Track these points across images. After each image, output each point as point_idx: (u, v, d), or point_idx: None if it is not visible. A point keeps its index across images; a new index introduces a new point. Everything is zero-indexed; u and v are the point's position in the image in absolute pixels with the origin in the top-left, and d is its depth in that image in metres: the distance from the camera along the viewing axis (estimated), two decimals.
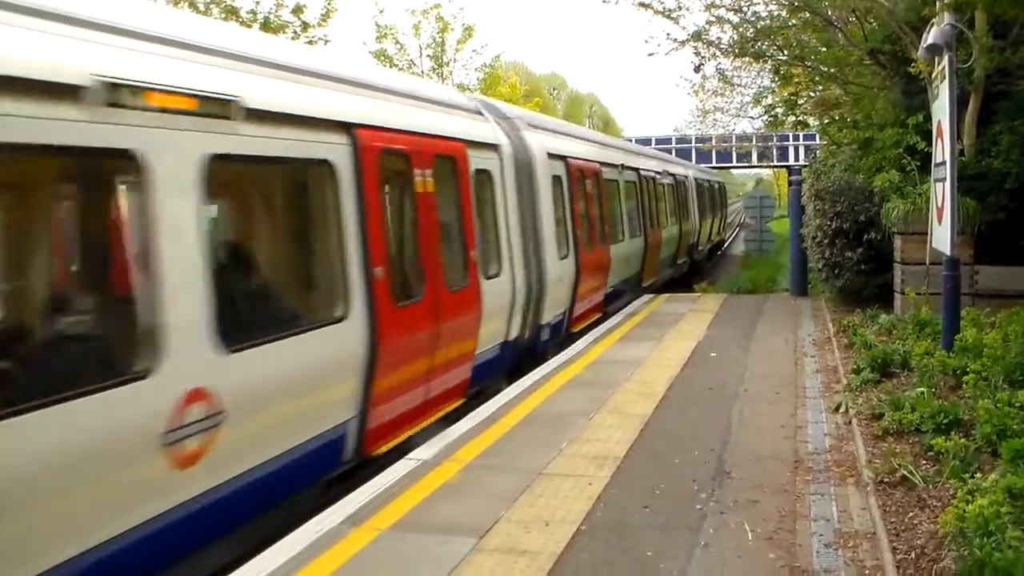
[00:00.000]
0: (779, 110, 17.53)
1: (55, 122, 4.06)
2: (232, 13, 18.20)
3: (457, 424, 7.47)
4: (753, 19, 14.63)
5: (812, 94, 18.44)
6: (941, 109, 8.74)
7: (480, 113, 10.03)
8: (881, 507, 5.21)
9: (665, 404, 7.93)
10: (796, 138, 42.26)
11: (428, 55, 27.99)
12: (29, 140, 4.00)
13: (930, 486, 5.39)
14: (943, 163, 8.51)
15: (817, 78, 16.48)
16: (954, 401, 6.76)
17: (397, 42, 27.23)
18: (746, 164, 56.02)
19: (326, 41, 19.60)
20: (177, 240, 4.72)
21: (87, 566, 4.12)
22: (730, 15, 14.85)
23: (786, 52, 14.93)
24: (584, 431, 7.08)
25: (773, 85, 20.03)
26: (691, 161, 39.98)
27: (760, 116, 22.09)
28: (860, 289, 13.11)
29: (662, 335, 11.74)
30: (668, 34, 15.60)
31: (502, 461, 6.42)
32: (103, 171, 5.07)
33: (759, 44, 14.66)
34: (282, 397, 5.55)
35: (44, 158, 4.57)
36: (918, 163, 10.99)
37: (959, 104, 8.94)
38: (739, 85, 23.86)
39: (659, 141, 46.07)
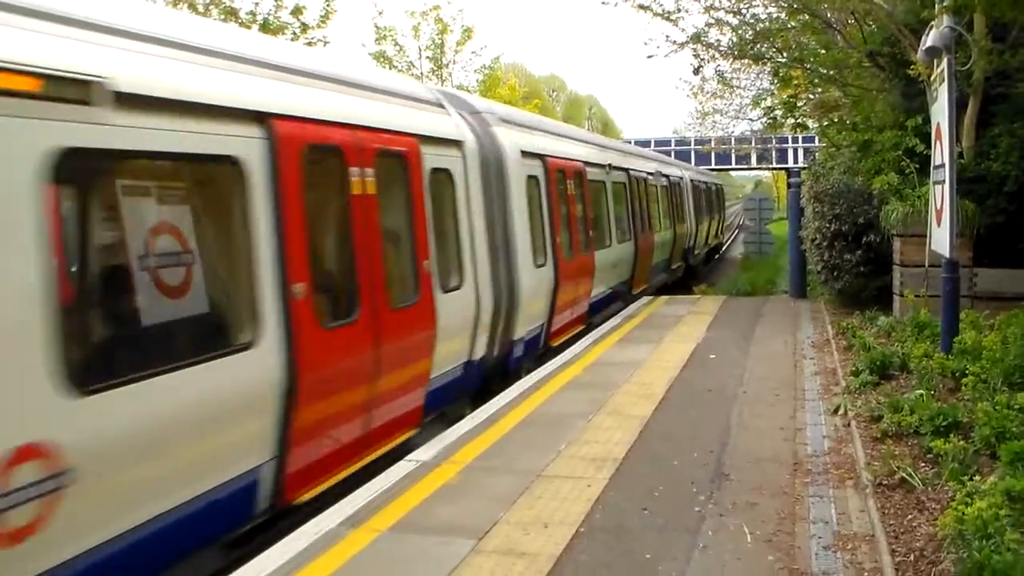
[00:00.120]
0: (778, 112, 17.50)
1: None
2: (231, 14, 18.21)
3: (456, 426, 7.47)
4: (752, 21, 14.64)
5: (811, 96, 18.46)
6: (940, 111, 8.75)
7: (441, 106, 8.93)
8: (880, 509, 5.21)
9: (664, 406, 7.93)
10: (795, 140, 42.38)
11: (427, 57, 28.06)
12: None
13: (929, 488, 5.40)
14: (942, 165, 8.51)
15: (816, 80, 16.49)
16: (953, 403, 6.76)
17: (396, 44, 27.30)
18: (745, 166, 56.14)
19: (325, 43, 19.64)
20: (6, 254, 3.82)
21: None
22: (729, 17, 14.88)
23: (785, 54, 14.94)
24: (583, 433, 7.08)
25: (772, 87, 20.05)
26: (690, 163, 40.02)
27: (759, 118, 22.13)
28: (859, 291, 13.11)
29: (661, 337, 11.74)
30: (667, 36, 15.71)
31: (501, 463, 6.41)
32: None
33: (758, 46, 14.66)
34: (162, 445, 4.60)
35: None
36: (917, 165, 11.00)
37: (958, 107, 8.95)
38: (738, 87, 24.00)
39: (658, 143, 46.16)
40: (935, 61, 8.91)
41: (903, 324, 10.26)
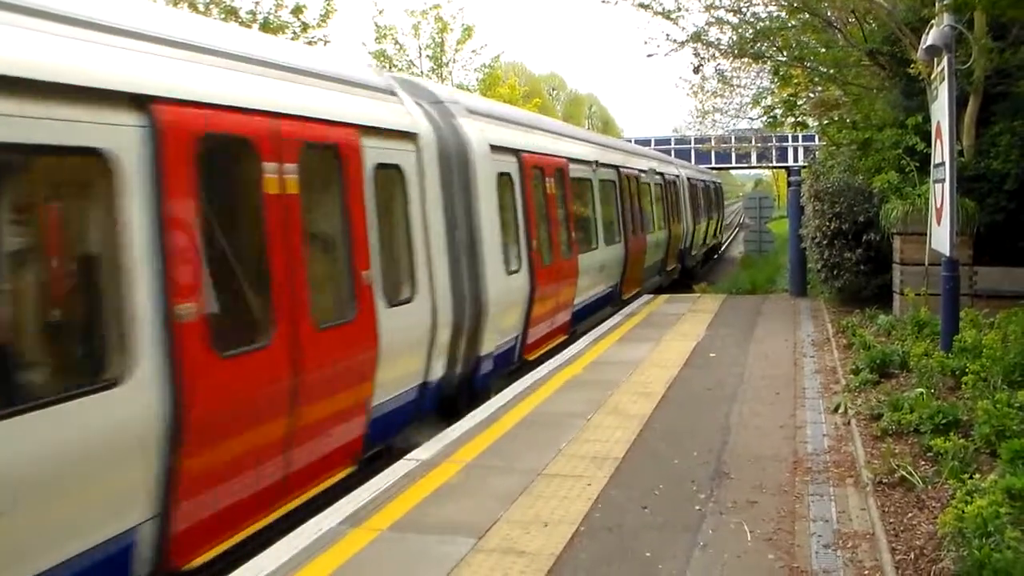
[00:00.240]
0: (778, 111, 17.53)
1: None
2: (232, 13, 18.21)
3: (456, 425, 7.46)
4: (752, 20, 14.65)
5: (811, 95, 18.49)
6: (940, 110, 8.75)
7: (392, 93, 7.89)
8: (880, 508, 5.21)
9: (664, 404, 7.93)
10: (795, 139, 42.36)
11: (427, 55, 28.07)
12: None
13: (929, 487, 5.40)
14: (942, 164, 8.51)
15: (816, 79, 16.52)
16: (953, 402, 6.77)
17: (396, 43, 27.31)
18: (745, 165, 56.15)
19: (326, 42, 19.64)
20: None
21: None
22: (729, 16, 14.89)
23: (785, 53, 14.95)
24: (583, 431, 7.08)
25: (772, 86, 20.08)
26: (690, 161, 39.97)
27: (759, 117, 22.12)
28: (859, 290, 13.12)
29: (661, 335, 11.74)
30: (668, 35, 15.78)
31: (501, 462, 6.41)
32: None
33: (758, 45, 14.67)
34: None
35: None
36: (917, 164, 11.00)
37: (958, 105, 8.95)
38: (738, 86, 23.98)
39: (658, 142, 46.15)
40: (935, 59, 8.91)
41: (903, 322, 10.26)
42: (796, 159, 44.52)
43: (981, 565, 3.94)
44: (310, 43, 18.87)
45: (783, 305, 15.07)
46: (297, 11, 18.91)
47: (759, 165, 59.05)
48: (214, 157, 5.22)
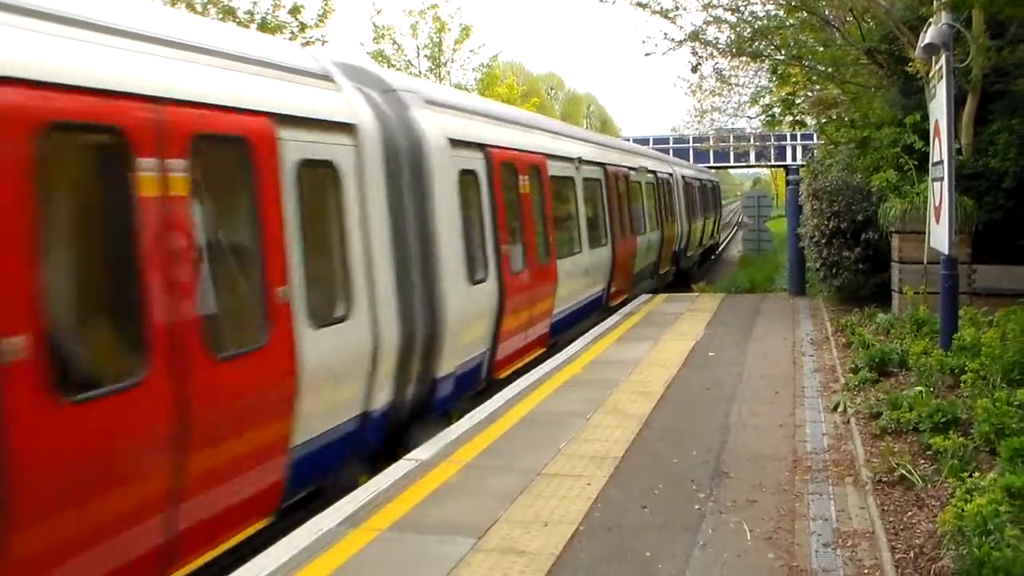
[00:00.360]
0: (776, 110, 17.55)
1: None
2: (229, 13, 18.20)
3: (456, 424, 7.46)
4: (750, 19, 14.66)
5: (809, 93, 18.49)
6: (938, 108, 8.75)
7: (328, 79, 6.81)
8: (880, 506, 5.21)
9: (663, 404, 7.93)
10: (794, 138, 42.42)
11: (426, 55, 28.06)
12: None
13: (928, 485, 5.40)
14: (940, 162, 8.52)
15: (814, 77, 16.52)
16: (952, 400, 6.77)
17: (394, 43, 27.30)
18: (744, 164, 56.22)
19: (323, 42, 19.63)
20: None
21: None
22: (727, 15, 14.89)
23: (783, 52, 14.96)
24: (582, 431, 7.08)
25: (770, 85, 20.09)
26: (689, 160, 39.95)
27: (758, 116, 22.15)
28: (858, 288, 13.12)
29: (660, 335, 11.73)
30: (666, 34, 15.69)
31: (500, 461, 6.41)
32: None
33: (756, 44, 14.68)
34: None
35: None
36: (915, 162, 11.00)
37: (956, 103, 8.96)
38: (736, 85, 23.98)
39: (657, 141, 46.25)
40: (933, 58, 8.91)
41: (902, 321, 10.27)
42: (794, 158, 44.60)
43: (981, 563, 3.94)
44: (308, 43, 18.85)
45: (782, 304, 15.07)
46: (295, 11, 18.89)
47: (757, 164, 59.17)
48: (62, 152, 4.47)
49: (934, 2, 8.75)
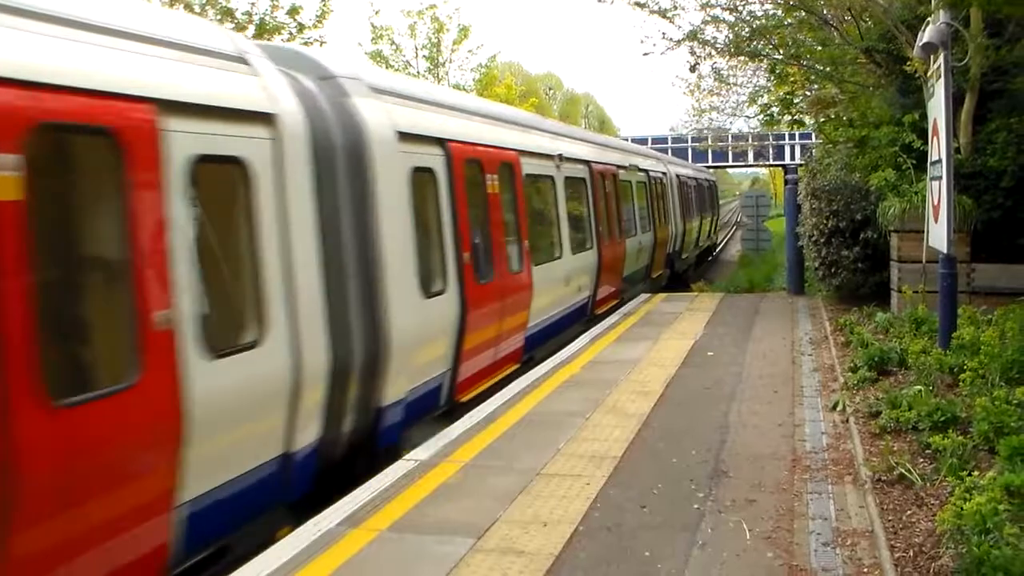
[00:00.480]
0: (775, 109, 17.56)
1: None
2: (228, 14, 18.19)
3: (455, 424, 7.45)
4: (749, 18, 14.67)
5: (808, 93, 18.49)
6: (937, 107, 8.75)
7: (242, 61, 5.73)
8: (879, 505, 5.21)
9: (662, 403, 7.93)
10: (792, 137, 42.47)
11: (424, 56, 28.06)
12: None
13: (928, 484, 5.40)
14: (939, 161, 8.52)
15: (813, 77, 16.54)
16: (951, 399, 6.76)
17: (393, 43, 27.32)
18: (742, 163, 56.26)
19: (322, 42, 19.61)
20: None
21: None
22: (726, 14, 14.90)
23: (782, 51, 14.97)
24: (581, 431, 7.08)
25: (769, 84, 20.11)
26: (688, 160, 39.91)
27: (756, 115, 22.16)
28: (857, 287, 13.13)
29: (659, 334, 11.73)
30: (664, 33, 15.66)
31: (500, 461, 6.41)
32: None
33: (755, 43, 14.69)
34: None
35: None
36: (914, 161, 11.01)
37: (955, 102, 8.97)
38: (735, 84, 24.01)
39: (655, 140, 46.29)
40: (931, 57, 8.91)
41: (901, 320, 10.27)
42: (793, 157, 44.66)
43: (980, 562, 3.94)
44: (306, 43, 18.85)
45: (781, 303, 15.07)
46: (293, 12, 18.88)
47: (756, 163, 59.22)
48: None
49: (932, 1, 8.76)
